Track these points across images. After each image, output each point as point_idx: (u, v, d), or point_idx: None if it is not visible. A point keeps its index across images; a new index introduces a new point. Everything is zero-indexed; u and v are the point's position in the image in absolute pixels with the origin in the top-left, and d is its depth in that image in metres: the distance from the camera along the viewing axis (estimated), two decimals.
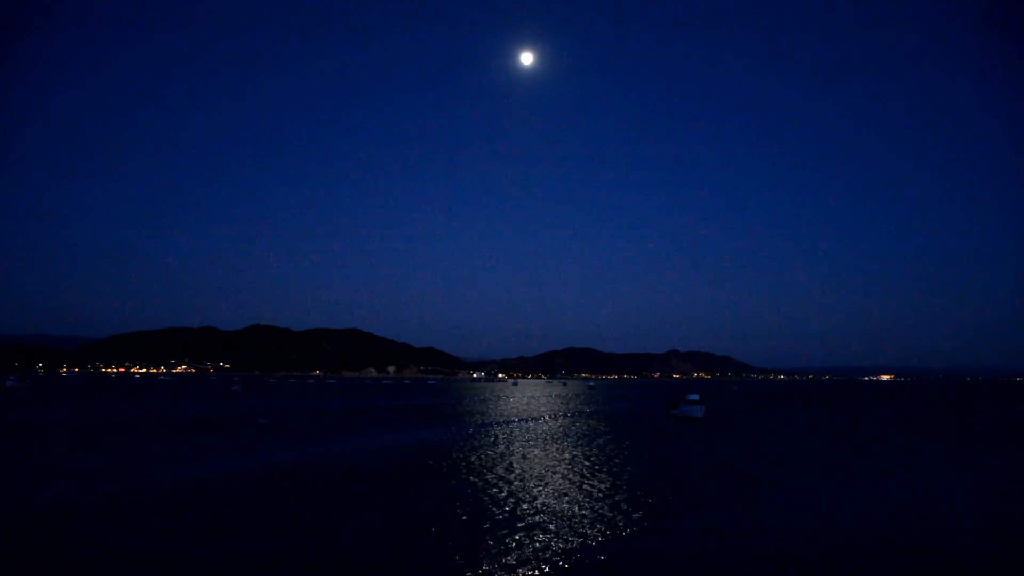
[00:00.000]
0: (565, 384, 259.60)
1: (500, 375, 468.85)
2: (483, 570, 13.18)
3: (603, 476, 25.36)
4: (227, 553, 14.04)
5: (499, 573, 13.03)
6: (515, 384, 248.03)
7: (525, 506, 19.35)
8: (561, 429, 46.77)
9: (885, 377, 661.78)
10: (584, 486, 23.07)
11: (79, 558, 13.56)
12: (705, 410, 59.69)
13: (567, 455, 31.67)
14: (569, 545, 15.16)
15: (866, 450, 35.72)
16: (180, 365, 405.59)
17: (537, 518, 17.81)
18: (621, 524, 17.34)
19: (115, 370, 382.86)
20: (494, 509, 18.85)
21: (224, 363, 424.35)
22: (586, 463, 28.91)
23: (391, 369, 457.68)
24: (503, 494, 21.18)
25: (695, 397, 60.81)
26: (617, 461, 29.70)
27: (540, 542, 15.35)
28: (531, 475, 25.32)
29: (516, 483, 23.38)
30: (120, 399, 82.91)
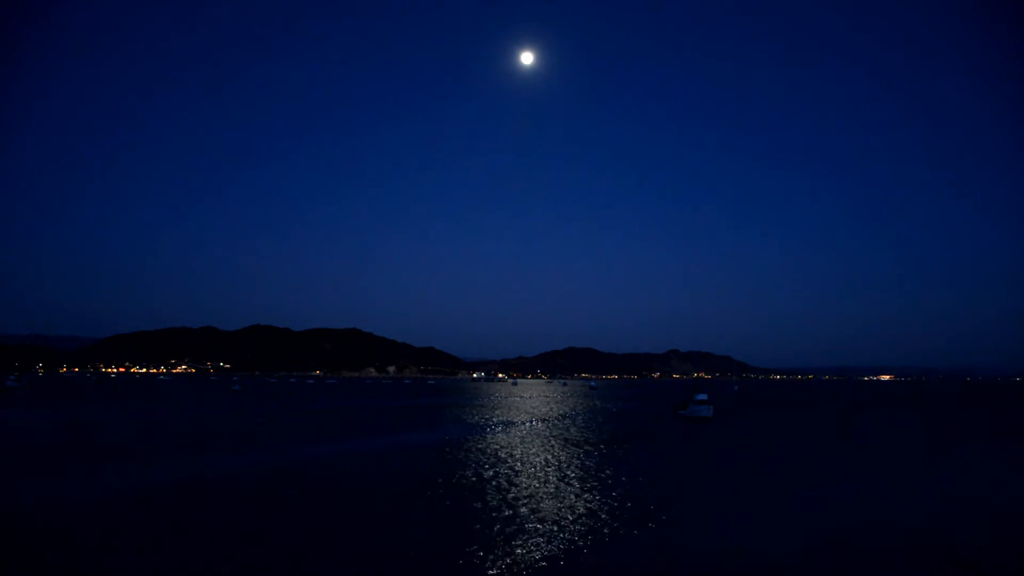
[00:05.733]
0: (565, 384, 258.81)
1: (500, 375, 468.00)
2: (485, 571, 12.67)
3: (616, 477, 24.83)
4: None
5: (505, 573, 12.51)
6: (515, 384, 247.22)
7: (531, 509, 18.83)
8: (566, 430, 46.26)
9: (885, 377, 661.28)
10: (597, 487, 22.54)
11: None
12: (713, 410, 59.80)
13: (577, 458, 31.15)
14: (575, 547, 14.64)
15: (875, 449, 35.21)
16: (180, 365, 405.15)
17: (545, 520, 17.29)
18: (639, 525, 16.81)
19: (115, 370, 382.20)
20: (496, 512, 18.32)
21: (224, 363, 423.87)
22: (597, 464, 28.39)
23: (391, 369, 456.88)
24: (505, 497, 20.65)
25: (704, 397, 60.68)
26: (632, 462, 29.17)
27: (550, 546, 14.83)
28: (535, 477, 24.79)
29: (519, 486, 22.85)
30: (119, 401, 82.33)
